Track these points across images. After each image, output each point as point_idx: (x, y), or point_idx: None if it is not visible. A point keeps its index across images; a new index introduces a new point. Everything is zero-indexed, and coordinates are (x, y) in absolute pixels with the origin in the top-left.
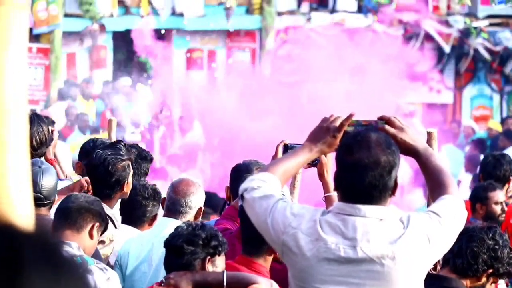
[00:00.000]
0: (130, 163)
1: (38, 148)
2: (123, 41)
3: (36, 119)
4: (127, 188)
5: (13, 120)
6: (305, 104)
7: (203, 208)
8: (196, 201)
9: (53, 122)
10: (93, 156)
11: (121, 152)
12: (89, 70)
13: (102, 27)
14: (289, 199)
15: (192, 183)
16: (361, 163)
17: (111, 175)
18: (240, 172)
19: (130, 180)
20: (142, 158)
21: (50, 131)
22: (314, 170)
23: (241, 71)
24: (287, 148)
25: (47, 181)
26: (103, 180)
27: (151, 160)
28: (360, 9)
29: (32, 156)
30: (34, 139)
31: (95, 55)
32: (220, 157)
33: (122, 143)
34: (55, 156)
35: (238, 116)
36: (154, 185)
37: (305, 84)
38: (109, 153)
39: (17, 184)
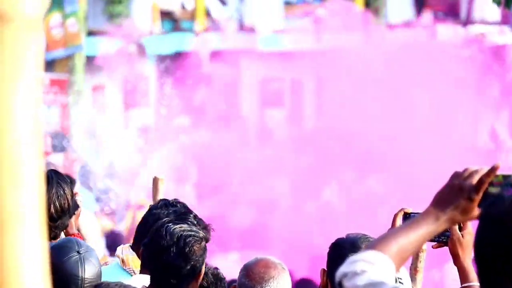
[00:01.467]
0: (205, 243)
1: (59, 218)
2: (171, 67)
3: (55, 178)
4: (200, 279)
5: (26, 179)
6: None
7: None
8: None
9: (73, 182)
10: (159, 232)
11: (194, 228)
12: (124, 109)
13: (141, 49)
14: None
15: (273, 264)
16: None
17: (186, 261)
18: (342, 250)
19: (203, 268)
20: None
21: (74, 195)
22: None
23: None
24: (408, 218)
25: (90, 271)
26: (174, 268)
27: (207, 230)
28: (506, 19)
29: (50, 230)
30: (53, 206)
31: (132, 87)
32: None
33: (192, 214)
34: (78, 230)
35: None
36: (216, 268)
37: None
38: (183, 228)
39: (31, 272)
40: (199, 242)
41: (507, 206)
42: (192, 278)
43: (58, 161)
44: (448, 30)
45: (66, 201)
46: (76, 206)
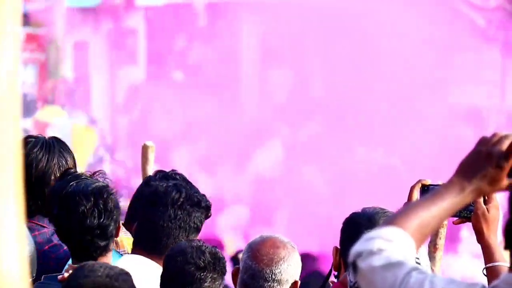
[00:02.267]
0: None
1: None
2: (162, 22)
3: (57, 147)
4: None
5: (2, 139)
6: None
7: (299, 282)
8: (289, 271)
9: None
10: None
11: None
12: (109, 68)
13: (129, 1)
14: (428, 268)
15: (282, 243)
16: None
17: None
18: (358, 226)
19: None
20: (194, 204)
21: (76, 166)
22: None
23: None
24: (426, 191)
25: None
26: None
27: (207, 208)
28: None
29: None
30: (53, 177)
31: (120, 44)
32: None
33: (194, 190)
34: None
35: None
36: (215, 247)
37: None
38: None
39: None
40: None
41: None
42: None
43: (27, 126)
44: None
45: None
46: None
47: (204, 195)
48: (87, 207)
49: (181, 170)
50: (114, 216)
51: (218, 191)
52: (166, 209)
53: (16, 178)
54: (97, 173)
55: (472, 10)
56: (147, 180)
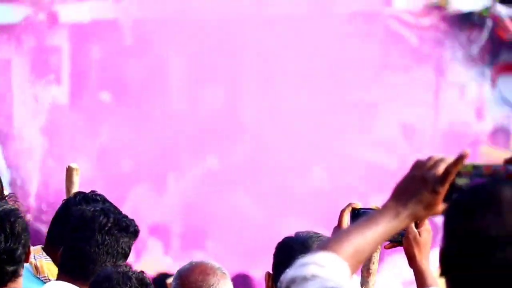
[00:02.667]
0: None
1: None
2: (86, 38)
3: None
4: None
5: None
6: None
7: None
8: None
9: None
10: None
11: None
12: (31, 86)
13: (53, 17)
14: None
15: (212, 269)
16: (488, 234)
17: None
18: (291, 251)
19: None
20: (122, 228)
21: (2, 190)
22: None
23: None
24: (357, 215)
25: None
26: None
27: (135, 233)
28: None
29: None
30: None
31: (42, 62)
32: None
33: (118, 211)
34: None
35: None
36: (142, 272)
37: None
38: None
39: None
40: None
41: (471, 193)
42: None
43: None
44: None
45: None
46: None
47: (132, 220)
48: None
49: (108, 192)
50: (22, 240)
51: (142, 214)
52: (93, 234)
53: None
54: (7, 197)
55: (405, 28)
56: (68, 204)
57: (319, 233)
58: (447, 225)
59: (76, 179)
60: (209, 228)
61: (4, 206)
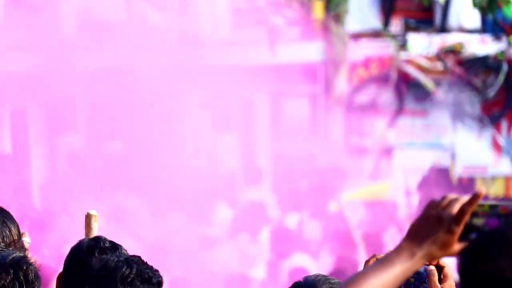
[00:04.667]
0: None
1: None
2: None
3: (0, 216)
4: None
5: None
6: None
7: None
8: None
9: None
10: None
11: None
12: None
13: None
14: None
15: None
16: (504, 276)
17: None
18: None
19: None
20: (144, 280)
21: (21, 235)
22: None
23: None
24: None
25: None
26: None
27: (158, 284)
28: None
29: None
30: None
31: None
32: None
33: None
34: None
35: None
36: None
37: None
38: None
39: None
40: None
41: (486, 235)
42: None
43: None
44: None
45: (13, 242)
46: (22, 247)
47: (156, 271)
48: (7, 281)
49: None
50: (36, 287)
51: None
52: (115, 285)
53: None
54: (14, 243)
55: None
56: (78, 253)
57: (327, 276)
58: (463, 267)
59: (95, 225)
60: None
61: (15, 254)
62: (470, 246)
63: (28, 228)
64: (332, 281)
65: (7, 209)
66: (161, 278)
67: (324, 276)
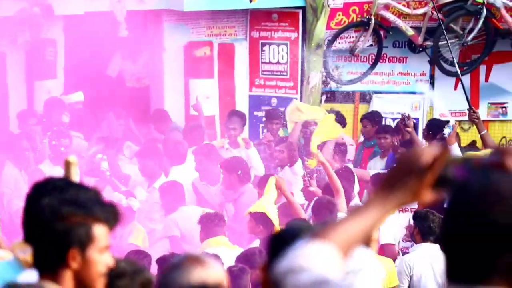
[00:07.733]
0: None
1: None
2: (80, 31)
3: None
4: None
5: None
6: None
7: None
8: None
9: None
10: None
11: None
12: (25, 81)
13: (48, 9)
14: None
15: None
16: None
17: None
18: (283, 244)
19: None
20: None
21: None
22: None
23: None
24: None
25: None
26: None
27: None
28: None
29: None
30: None
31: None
32: None
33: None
34: None
35: None
36: None
37: None
38: None
39: None
40: None
41: (477, 181)
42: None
43: None
44: None
45: None
46: None
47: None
48: None
49: None
50: None
51: None
52: None
53: None
54: None
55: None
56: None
57: (310, 223)
58: (453, 208)
59: (74, 170)
60: None
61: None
62: (462, 189)
63: None
64: (314, 228)
65: None
66: None
67: (308, 222)
